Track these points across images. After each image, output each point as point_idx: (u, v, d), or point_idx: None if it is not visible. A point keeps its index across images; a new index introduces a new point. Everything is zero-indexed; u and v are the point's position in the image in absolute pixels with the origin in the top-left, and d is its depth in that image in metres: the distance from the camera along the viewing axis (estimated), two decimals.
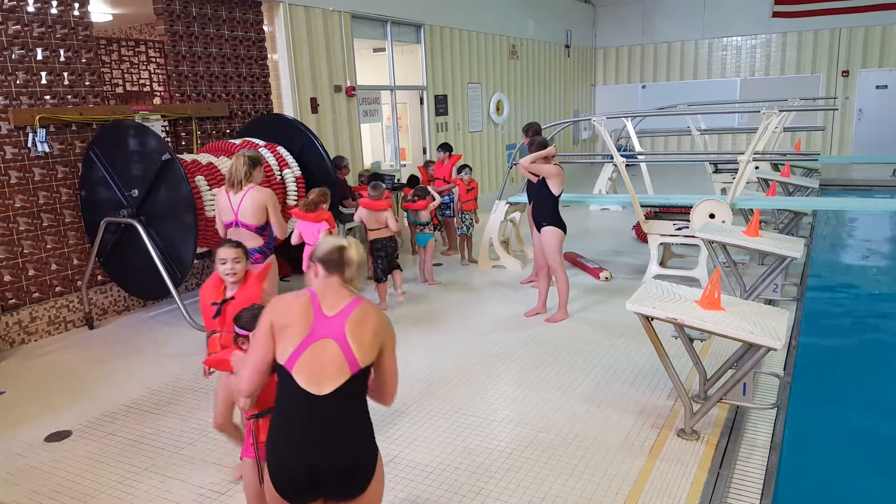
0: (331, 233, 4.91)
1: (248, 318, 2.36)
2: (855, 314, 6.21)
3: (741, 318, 3.23)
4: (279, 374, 1.87)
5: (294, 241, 5.16)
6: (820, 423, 4.14)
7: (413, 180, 7.63)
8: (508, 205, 7.13)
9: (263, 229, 4.20)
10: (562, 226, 5.24)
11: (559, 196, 5.20)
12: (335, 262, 1.92)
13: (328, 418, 1.82)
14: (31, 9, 5.18)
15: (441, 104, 10.38)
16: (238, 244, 2.95)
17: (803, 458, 3.66)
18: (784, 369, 4.21)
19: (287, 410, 1.86)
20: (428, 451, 3.38)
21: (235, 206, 4.16)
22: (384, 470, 2.00)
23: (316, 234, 4.89)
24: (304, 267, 5.19)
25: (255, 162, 4.21)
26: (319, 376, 1.81)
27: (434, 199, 6.78)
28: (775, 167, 8.54)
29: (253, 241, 4.16)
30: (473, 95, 11.25)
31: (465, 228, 7.39)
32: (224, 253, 2.88)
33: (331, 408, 1.82)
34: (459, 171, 7.45)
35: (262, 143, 6.08)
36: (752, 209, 6.03)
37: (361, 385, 1.90)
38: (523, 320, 5.39)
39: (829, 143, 14.39)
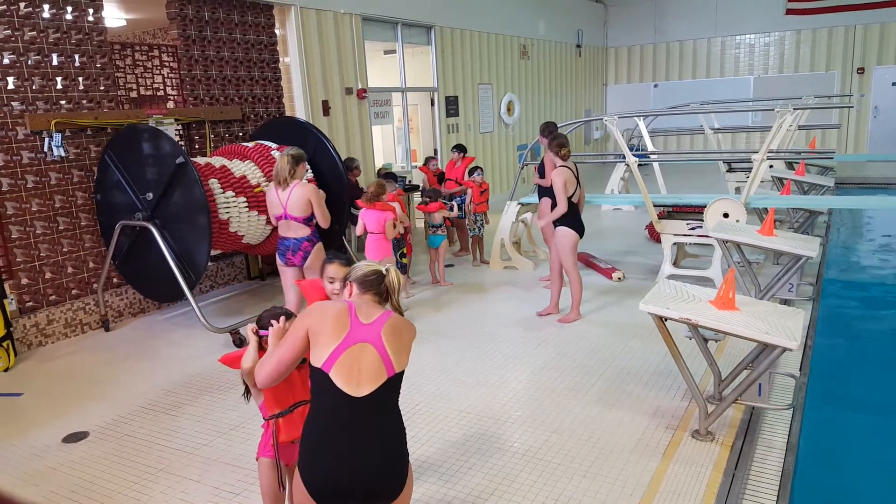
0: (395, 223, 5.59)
1: (269, 318, 2.36)
2: (872, 314, 6.12)
3: (756, 318, 3.19)
4: (316, 377, 1.87)
5: (358, 231, 5.68)
6: (837, 424, 4.08)
7: (389, 177, 7.51)
8: (520, 205, 7.11)
9: (309, 220, 4.59)
10: (576, 227, 5.20)
11: (571, 196, 5.15)
12: (371, 283, 2.04)
13: (365, 421, 1.83)
14: (46, 15, 5.26)
15: (452, 105, 10.39)
16: (349, 262, 2.60)
17: (820, 460, 3.61)
18: (800, 370, 4.16)
19: (325, 413, 1.86)
20: (441, 452, 3.38)
21: (284, 200, 4.56)
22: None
23: (381, 224, 5.49)
24: (367, 254, 5.45)
25: (298, 160, 4.59)
26: (357, 378, 1.83)
27: (452, 209, 6.90)
28: (790, 165, 8.45)
29: (301, 231, 4.61)
30: (484, 96, 11.25)
31: (476, 230, 7.38)
32: (332, 271, 2.63)
33: (368, 410, 1.83)
34: (471, 172, 7.45)
35: (274, 145, 6.12)
36: (766, 208, 5.97)
37: (395, 389, 1.92)
38: (535, 321, 5.38)
39: (845, 140, 14.21)
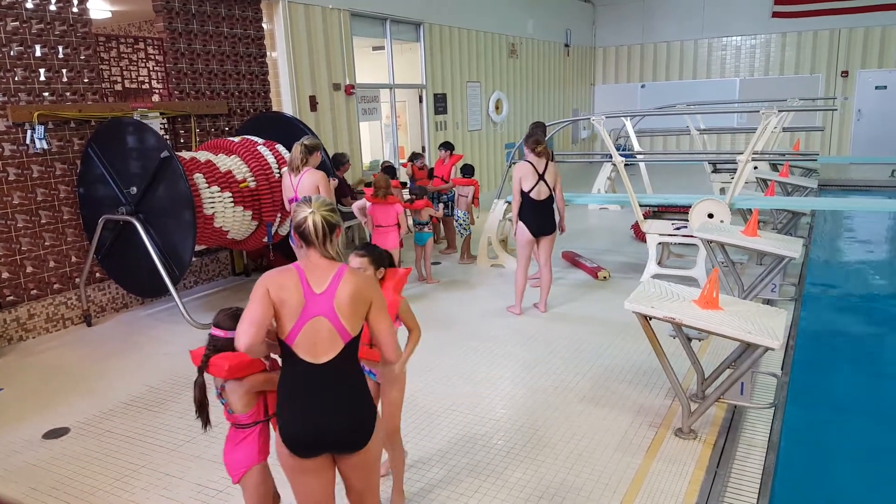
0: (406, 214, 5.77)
1: (223, 318, 2.34)
2: (853, 314, 6.22)
3: (739, 317, 3.23)
4: (282, 348, 2.05)
5: (368, 225, 5.91)
6: (817, 422, 4.14)
7: (387, 171, 7.57)
8: (507, 204, 7.12)
9: None
10: (528, 222, 5.24)
11: (528, 191, 5.19)
12: (304, 234, 2.06)
13: (327, 383, 2.04)
14: (29, 5, 5.17)
15: (440, 103, 10.38)
16: (368, 252, 2.68)
17: (800, 458, 3.66)
18: (782, 369, 4.22)
19: (291, 379, 2.06)
20: (425, 450, 3.38)
21: (295, 185, 4.88)
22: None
23: (393, 217, 5.71)
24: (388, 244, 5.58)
25: (311, 149, 4.93)
26: (315, 349, 2.02)
27: (439, 207, 6.99)
28: (774, 167, 8.56)
29: None
30: (473, 94, 11.25)
31: (471, 229, 7.41)
32: (350, 262, 2.60)
33: (328, 374, 2.03)
34: (472, 173, 7.54)
35: (260, 140, 6.08)
36: (750, 209, 6.04)
37: (353, 350, 2.08)
38: (519, 320, 5.39)
39: (828, 143, 14.41)
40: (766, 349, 3.09)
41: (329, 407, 2.04)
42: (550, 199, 5.29)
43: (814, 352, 5.03)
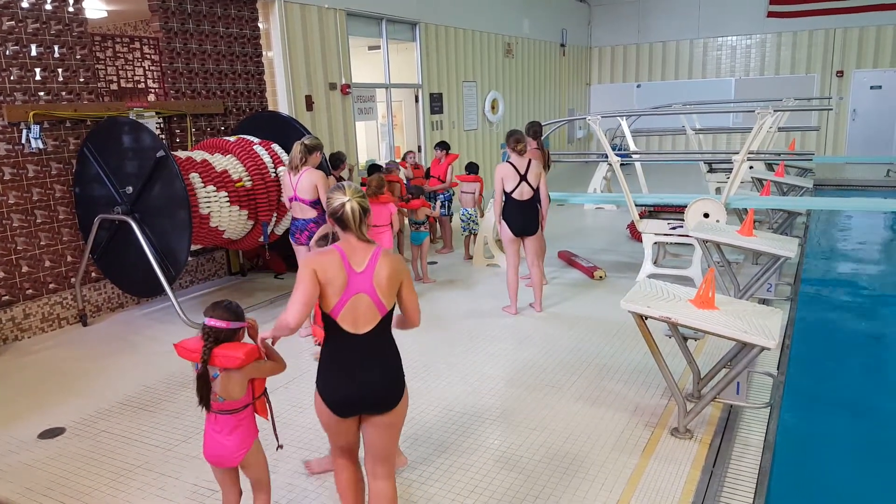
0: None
1: (222, 310, 2.39)
2: (848, 313, 6.24)
3: (735, 317, 3.24)
4: (327, 321, 2.28)
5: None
6: (813, 422, 4.16)
7: (373, 169, 7.54)
8: None
9: (316, 203, 4.87)
10: (510, 222, 5.28)
11: (510, 192, 5.22)
12: (342, 219, 2.29)
13: (367, 350, 2.31)
14: (25, 4, 5.15)
15: (436, 102, 10.38)
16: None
17: (796, 458, 3.68)
18: (777, 368, 4.23)
19: (336, 347, 2.31)
20: (421, 449, 3.38)
21: (294, 184, 4.88)
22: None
23: (387, 217, 5.64)
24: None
25: (311, 149, 4.90)
26: (356, 322, 2.27)
27: (435, 207, 7.00)
28: (769, 167, 8.58)
29: (308, 213, 4.93)
30: (469, 94, 11.25)
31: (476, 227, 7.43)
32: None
33: (368, 343, 2.30)
34: (477, 171, 7.60)
35: (257, 140, 6.07)
36: (746, 209, 6.06)
37: (388, 323, 2.36)
38: (515, 319, 5.40)
39: (824, 143, 14.47)
40: (762, 349, 3.10)
41: (369, 372, 2.31)
42: (534, 199, 5.24)
43: (810, 351, 5.05)
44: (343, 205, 2.27)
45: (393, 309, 2.35)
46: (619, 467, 3.17)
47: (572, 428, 3.56)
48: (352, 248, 2.29)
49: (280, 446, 2.70)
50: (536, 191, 5.25)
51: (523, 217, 5.27)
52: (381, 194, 5.72)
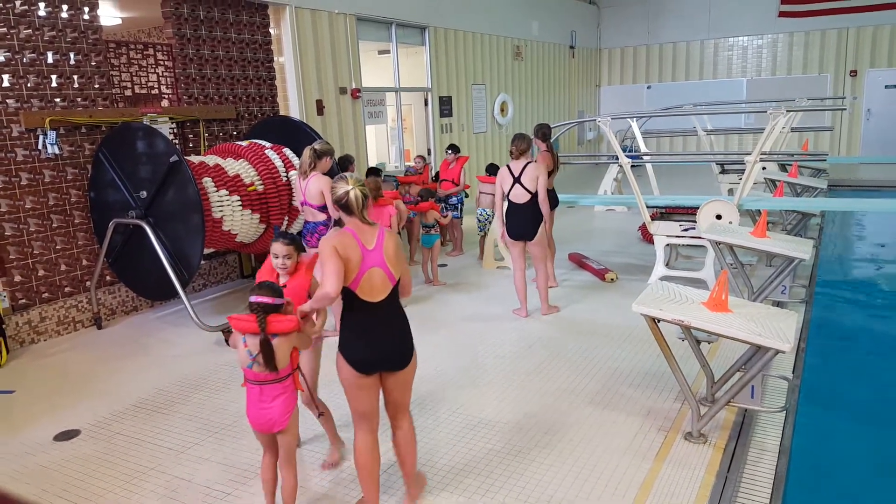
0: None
1: (266, 290, 2.66)
2: (864, 316, 6.16)
3: (749, 320, 3.21)
4: (346, 292, 2.59)
5: None
6: (829, 426, 4.10)
7: (370, 172, 7.53)
8: None
9: (324, 208, 4.94)
10: (507, 224, 5.39)
11: (507, 194, 5.32)
12: (347, 205, 2.63)
13: (382, 315, 2.67)
14: (42, 13, 5.23)
15: (446, 105, 10.39)
16: (291, 241, 3.02)
17: (813, 463, 3.63)
18: (793, 372, 4.19)
19: (355, 315, 2.65)
20: (432, 453, 3.38)
21: (303, 188, 4.97)
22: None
23: (386, 219, 5.56)
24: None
25: (321, 154, 4.95)
26: (373, 291, 2.62)
27: (446, 210, 7.11)
28: (783, 168, 8.50)
29: (317, 217, 4.99)
30: (478, 97, 11.26)
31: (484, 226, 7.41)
32: (276, 249, 2.99)
33: (382, 309, 2.66)
34: (496, 172, 7.58)
35: (268, 144, 6.11)
36: (759, 210, 6.00)
37: (396, 292, 2.72)
38: (526, 322, 5.39)
39: (838, 143, 14.31)
40: (777, 352, 3.07)
41: (387, 334, 2.68)
42: (533, 202, 5.20)
43: (825, 354, 4.99)
44: (347, 192, 2.61)
45: (399, 281, 2.70)
46: (632, 472, 3.15)
47: (584, 431, 3.55)
48: (360, 229, 2.63)
49: (321, 413, 3.14)
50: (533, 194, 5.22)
51: (518, 220, 5.28)
52: (378, 197, 5.67)
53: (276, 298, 2.66)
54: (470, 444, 3.47)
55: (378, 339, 2.66)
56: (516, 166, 5.23)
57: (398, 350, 2.71)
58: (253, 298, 2.63)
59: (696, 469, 3.15)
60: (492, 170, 7.64)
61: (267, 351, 2.59)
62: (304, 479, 3.19)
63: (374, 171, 7.20)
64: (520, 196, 5.22)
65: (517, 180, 5.20)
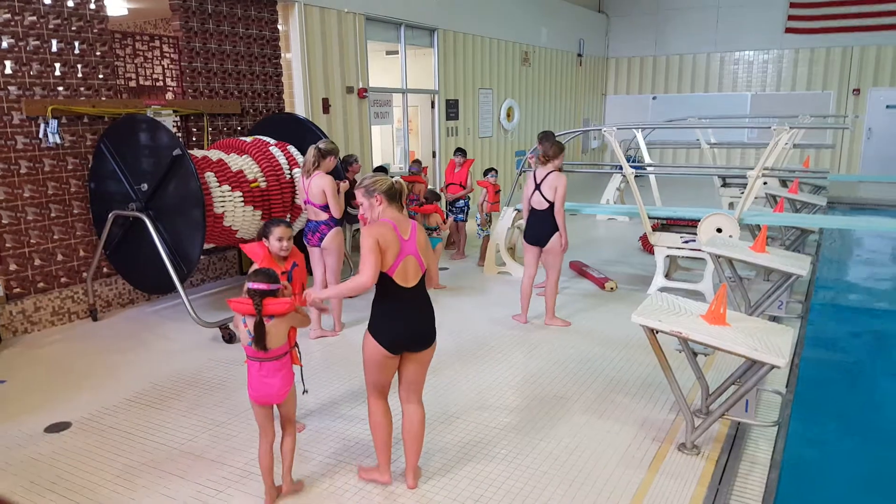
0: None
1: (262, 276, 2.82)
2: (858, 333, 6.18)
3: (746, 334, 3.21)
4: (383, 278, 2.84)
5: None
6: (820, 441, 4.12)
7: (377, 171, 7.62)
8: (516, 211, 7.12)
9: (326, 207, 4.95)
10: (525, 228, 5.50)
11: (528, 198, 5.37)
12: (394, 194, 2.94)
13: (414, 299, 2.95)
14: (47, 1, 5.22)
15: (452, 108, 10.40)
16: (289, 225, 3.47)
17: (803, 477, 3.64)
18: (786, 386, 4.19)
19: (390, 300, 2.90)
20: (427, 457, 3.37)
21: (306, 187, 4.96)
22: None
23: None
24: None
25: (326, 153, 4.93)
26: (407, 277, 2.89)
27: (453, 213, 7.34)
28: (783, 183, 8.52)
29: (320, 216, 4.99)
30: (485, 101, 11.27)
31: (488, 230, 7.42)
32: (281, 232, 3.34)
33: (414, 294, 2.94)
34: (486, 173, 7.58)
35: (273, 141, 6.11)
36: (759, 225, 6.01)
37: (424, 278, 2.99)
38: (525, 329, 5.38)
39: (838, 160, 14.35)
40: (772, 367, 3.07)
41: (417, 317, 2.96)
42: (550, 210, 5.20)
43: (819, 370, 5.00)
44: (393, 183, 2.95)
45: (424, 276, 2.97)
46: (625, 481, 3.14)
47: (579, 440, 3.54)
48: (398, 219, 2.91)
49: (305, 391, 3.27)
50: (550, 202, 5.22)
51: (534, 226, 5.30)
52: None
53: (272, 284, 2.82)
54: (464, 448, 3.46)
55: (410, 321, 2.93)
56: (541, 172, 5.24)
57: (427, 332, 2.99)
58: (250, 285, 2.81)
59: (688, 480, 3.15)
60: (488, 172, 7.68)
61: (259, 332, 2.77)
62: (309, 458, 3.26)
63: (380, 171, 7.25)
64: (539, 202, 5.24)
65: (538, 187, 5.22)
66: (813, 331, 5.52)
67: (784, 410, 3.85)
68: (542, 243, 5.29)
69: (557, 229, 5.22)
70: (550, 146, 5.25)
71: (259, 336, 2.78)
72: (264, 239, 3.35)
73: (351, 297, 3.07)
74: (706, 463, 3.29)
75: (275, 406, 2.97)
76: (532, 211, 5.29)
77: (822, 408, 4.50)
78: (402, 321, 2.91)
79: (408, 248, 2.87)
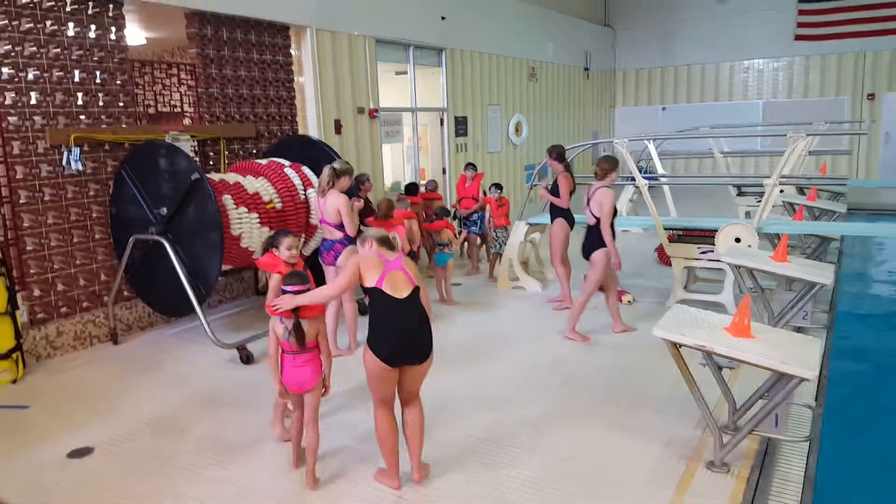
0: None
1: (296, 279, 3.30)
2: (886, 341, 6.04)
3: (772, 346, 3.15)
4: (373, 293, 3.06)
5: None
6: (854, 456, 4.00)
7: (411, 188, 7.72)
8: (528, 225, 7.11)
9: (341, 226, 5.01)
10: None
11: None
12: (385, 242, 3.29)
13: (406, 309, 3.07)
14: (70, 33, 5.35)
15: (461, 125, 10.46)
16: (296, 236, 3.98)
17: (838, 494, 3.53)
18: (815, 399, 4.10)
19: (382, 310, 3.07)
20: (448, 481, 3.33)
21: (321, 207, 5.04)
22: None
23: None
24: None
25: (340, 173, 4.99)
26: (396, 287, 3.06)
27: (466, 226, 7.44)
28: (800, 191, 8.43)
29: (334, 234, 5.05)
30: (493, 117, 11.32)
31: (497, 246, 7.41)
32: (289, 242, 3.77)
33: (406, 304, 3.07)
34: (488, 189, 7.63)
35: (287, 163, 6.17)
36: (778, 234, 5.94)
37: (418, 296, 3.13)
38: (544, 344, 5.34)
39: (856, 166, 14.17)
40: (802, 380, 3.01)
41: (410, 325, 3.07)
42: (597, 226, 5.25)
43: (848, 381, 4.88)
44: (394, 238, 3.43)
45: (419, 289, 3.12)
46: (653, 502, 3.07)
47: (604, 459, 3.48)
48: (382, 251, 3.23)
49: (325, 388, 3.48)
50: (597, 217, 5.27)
51: (586, 240, 5.38)
52: (389, 217, 5.81)
53: (304, 286, 3.27)
54: (485, 470, 3.42)
55: (404, 331, 3.04)
56: (594, 188, 5.32)
57: (422, 342, 3.10)
58: (286, 288, 3.26)
59: (718, 499, 3.08)
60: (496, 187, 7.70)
61: (299, 333, 3.23)
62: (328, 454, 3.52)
63: (412, 187, 7.58)
64: (589, 218, 5.30)
65: (588, 201, 5.29)
66: (840, 340, 5.40)
67: (815, 424, 3.76)
68: (586, 256, 5.35)
69: (604, 244, 5.22)
70: (604, 161, 5.36)
71: (299, 336, 3.23)
72: (274, 249, 3.80)
73: (315, 306, 3.27)
74: (737, 481, 3.22)
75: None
76: (588, 226, 5.36)
77: (854, 420, 4.39)
78: (397, 331, 3.02)
79: (392, 265, 3.11)
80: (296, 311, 3.22)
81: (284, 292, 3.25)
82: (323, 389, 3.38)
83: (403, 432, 3.25)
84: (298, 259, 3.84)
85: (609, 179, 5.30)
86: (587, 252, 5.35)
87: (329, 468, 3.47)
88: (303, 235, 6.08)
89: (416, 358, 3.07)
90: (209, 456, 3.69)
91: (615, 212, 5.37)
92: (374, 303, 3.09)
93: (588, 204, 5.30)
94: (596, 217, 5.22)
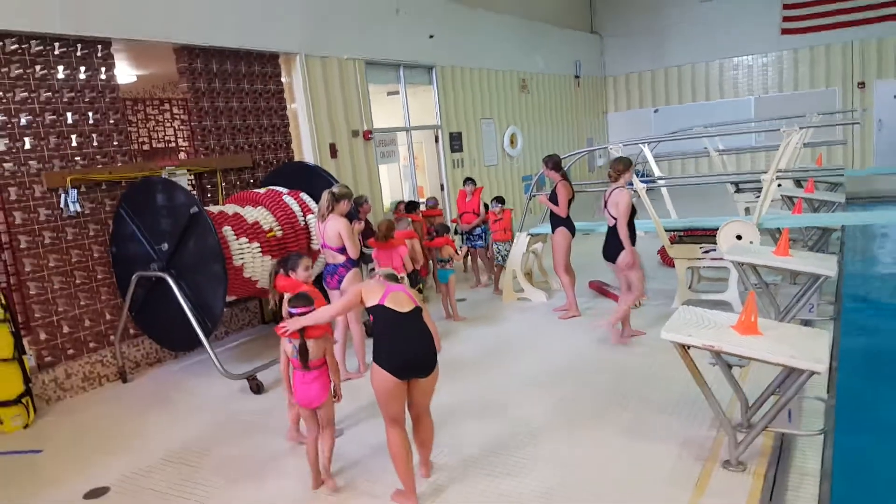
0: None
1: (301, 300, 3.44)
2: (893, 329, 6.00)
3: (780, 341, 3.14)
4: (376, 310, 3.17)
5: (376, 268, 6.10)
6: (871, 447, 3.97)
7: (411, 206, 7.75)
8: (530, 236, 7.12)
9: (343, 250, 5.03)
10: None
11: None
12: (393, 278, 3.40)
13: (411, 323, 3.18)
14: (61, 76, 5.42)
15: (456, 141, 10.51)
16: (306, 255, 4.20)
17: (857, 485, 3.50)
18: (827, 392, 4.07)
19: (387, 325, 3.16)
20: (458, 494, 3.30)
21: (322, 232, 5.06)
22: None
23: (397, 259, 5.77)
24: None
25: (339, 197, 5.01)
26: (399, 303, 3.18)
27: (468, 241, 7.49)
28: (798, 183, 8.43)
29: (337, 259, 5.08)
30: (487, 130, 11.38)
31: (499, 259, 7.42)
32: (306, 262, 4.08)
33: (410, 318, 3.18)
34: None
35: (285, 190, 6.20)
36: (779, 228, 5.94)
37: (420, 314, 3.23)
38: (551, 353, 5.32)
39: (851, 155, 14.19)
40: (812, 373, 3.00)
41: (416, 339, 3.16)
42: (615, 227, 5.27)
43: (859, 372, 4.85)
44: (402, 278, 3.35)
45: (421, 309, 3.24)
46: None
47: (621, 463, 3.45)
48: (385, 281, 3.34)
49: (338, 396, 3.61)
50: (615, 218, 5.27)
51: (606, 242, 5.40)
52: (390, 238, 5.82)
53: (309, 307, 3.41)
54: (496, 480, 3.39)
55: (411, 343, 3.14)
56: (609, 189, 5.34)
57: (427, 354, 3.18)
58: (292, 310, 3.40)
59: (737, 498, 3.05)
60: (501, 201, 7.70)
61: (303, 352, 3.38)
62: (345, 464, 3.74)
63: (412, 204, 7.62)
64: (608, 219, 5.31)
65: (605, 204, 5.31)
66: (848, 331, 5.38)
67: (828, 417, 3.73)
68: (612, 260, 5.34)
69: (621, 246, 5.24)
70: (617, 162, 5.36)
71: (303, 356, 3.37)
72: (291, 273, 4.05)
73: (320, 326, 3.40)
74: (754, 479, 3.19)
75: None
76: (608, 227, 5.37)
77: (868, 411, 4.35)
78: (403, 344, 3.12)
79: (394, 288, 3.24)
80: (302, 332, 3.36)
81: (290, 314, 3.39)
82: (335, 397, 3.52)
83: (414, 438, 3.36)
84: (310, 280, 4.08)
85: (623, 180, 5.31)
86: (610, 255, 5.34)
87: (343, 487, 3.54)
88: None
89: (421, 370, 3.14)
90: (223, 489, 3.67)
91: (634, 211, 5.34)
92: (377, 320, 3.18)
93: (606, 206, 5.32)
94: (614, 218, 5.23)
